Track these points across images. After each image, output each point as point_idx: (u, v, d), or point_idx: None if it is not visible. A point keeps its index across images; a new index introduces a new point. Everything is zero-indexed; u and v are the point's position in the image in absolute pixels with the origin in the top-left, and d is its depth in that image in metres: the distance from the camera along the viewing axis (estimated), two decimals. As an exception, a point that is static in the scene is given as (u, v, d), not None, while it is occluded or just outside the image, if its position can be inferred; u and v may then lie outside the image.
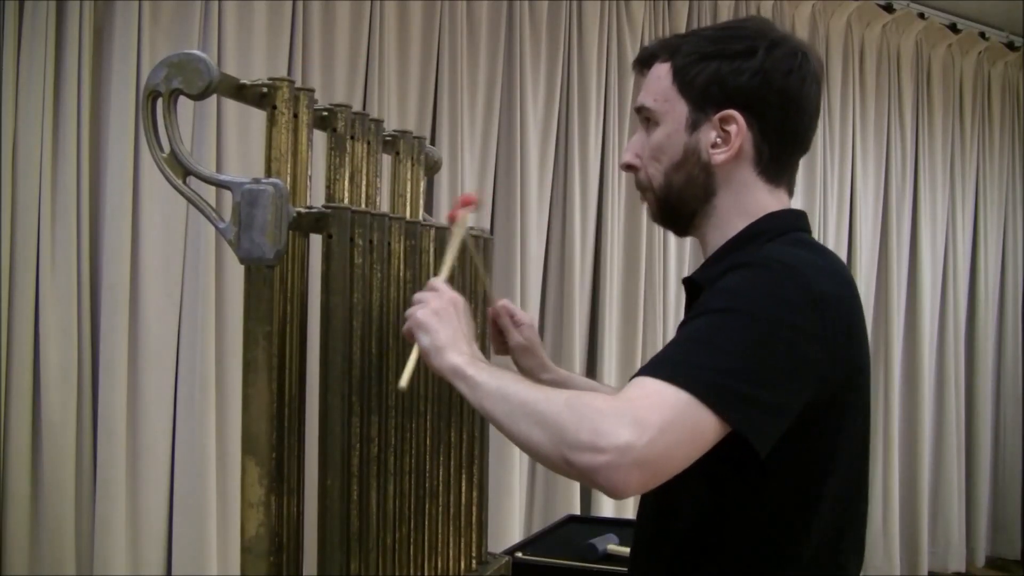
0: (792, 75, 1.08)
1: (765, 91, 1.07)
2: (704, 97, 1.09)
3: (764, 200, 1.12)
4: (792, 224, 1.13)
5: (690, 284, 1.15)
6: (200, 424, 2.47)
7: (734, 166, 1.10)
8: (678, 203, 1.14)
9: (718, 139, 1.09)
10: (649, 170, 1.14)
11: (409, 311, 1.12)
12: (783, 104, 1.08)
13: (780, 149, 1.11)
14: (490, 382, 1.01)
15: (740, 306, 0.97)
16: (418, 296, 1.14)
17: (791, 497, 1.04)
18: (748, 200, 1.12)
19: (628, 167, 1.17)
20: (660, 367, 0.95)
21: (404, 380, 1.10)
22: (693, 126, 1.10)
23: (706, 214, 1.14)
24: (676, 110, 1.11)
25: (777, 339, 0.95)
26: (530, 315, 1.72)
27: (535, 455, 0.96)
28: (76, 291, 2.33)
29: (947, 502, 4.52)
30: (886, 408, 4.25)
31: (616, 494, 0.90)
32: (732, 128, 1.08)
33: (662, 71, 1.13)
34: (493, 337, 1.49)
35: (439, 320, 1.09)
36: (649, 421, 0.89)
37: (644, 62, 1.16)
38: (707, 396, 0.91)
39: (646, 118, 1.15)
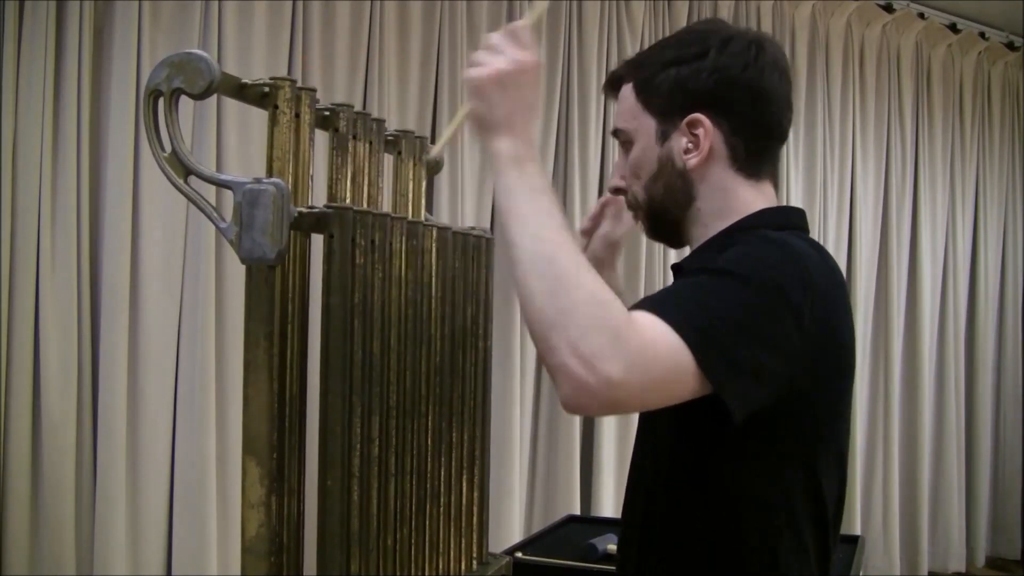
0: (749, 68, 1.08)
1: (724, 88, 1.08)
2: (668, 105, 1.11)
3: (747, 195, 1.12)
4: (788, 221, 1.13)
5: (678, 271, 1.16)
6: (200, 424, 2.47)
7: (709, 167, 1.11)
8: (663, 213, 1.16)
9: (689, 144, 1.10)
10: (633, 188, 1.16)
11: (475, 59, 0.99)
12: (747, 97, 1.09)
13: (752, 142, 1.11)
14: (527, 207, 0.94)
15: (734, 271, 0.97)
16: (494, 40, 0.99)
17: (761, 480, 1.04)
18: (731, 198, 1.12)
19: (617, 190, 1.19)
20: (666, 310, 0.92)
21: (436, 149, 1.01)
22: (663, 136, 1.12)
23: (691, 219, 1.15)
24: (644, 125, 1.13)
25: (770, 310, 0.96)
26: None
27: (523, 308, 0.92)
28: (76, 291, 2.33)
29: (947, 502, 4.52)
30: (886, 408, 4.25)
31: (570, 408, 0.90)
32: (700, 131, 1.09)
33: (627, 91, 1.15)
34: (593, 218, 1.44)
35: (501, 89, 0.96)
36: (648, 370, 0.88)
37: (612, 86, 1.18)
38: (701, 352, 0.90)
39: (623, 141, 1.16)
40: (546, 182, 0.97)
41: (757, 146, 1.12)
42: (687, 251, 1.20)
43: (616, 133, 1.17)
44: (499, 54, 0.98)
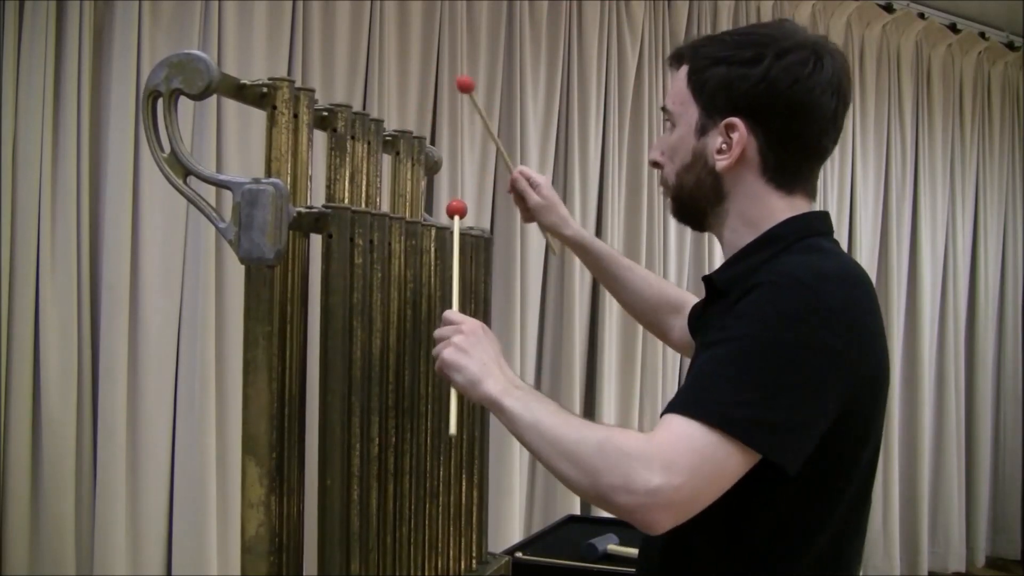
0: (798, 84, 1.07)
1: (769, 99, 1.08)
2: (712, 102, 1.11)
3: (777, 206, 1.12)
4: (809, 228, 1.12)
5: (709, 283, 1.17)
6: (200, 424, 2.47)
7: (740, 172, 1.11)
8: (690, 203, 1.17)
9: (723, 145, 1.11)
10: (667, 169, 1.18)
11: (435, 351, 1.14)
12: (789, 113, 1.08)
13: (787, 157, 1.11)
14: (524, 415, 1.03)
15: (756, 332, 0.98)
16: (438, 333, 1.15)
17: (811, 501, 1.05)
18: (759, 206, 1.12)
19: (654, 164, 1.21)
20: (686, 405, 0.97)
21: (453, 426, 1.15)
22: (702, 130, 1.12)
23: (718, 216, 1.16)
24: (688, 113, 1.14)
25: (794, 361, 0.97)
26: (546, 176, 1.76)
27: (572, 489, 1.00)
28: (76, 291, 2.33)
29: (947, 502, 4.52)
30: (886, 408, 4.25)
31: (651, 531, 0.94)
32: (735, 135, 1.09)
33: (682, 73, 1.15)
34: (517, 202, 1.58)
35: (465, 355, 1.11)
36: (678, 465, 0.93)
37: (674, 62, 1.19)
38: (735, 431, 0.94)
39: (668, 119, 1.18)
40: (528, 388, 1.08)
41: (791, 160, 1.11)
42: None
43: (663, 110, 1.19)
44: (450, 336, 1.13)
